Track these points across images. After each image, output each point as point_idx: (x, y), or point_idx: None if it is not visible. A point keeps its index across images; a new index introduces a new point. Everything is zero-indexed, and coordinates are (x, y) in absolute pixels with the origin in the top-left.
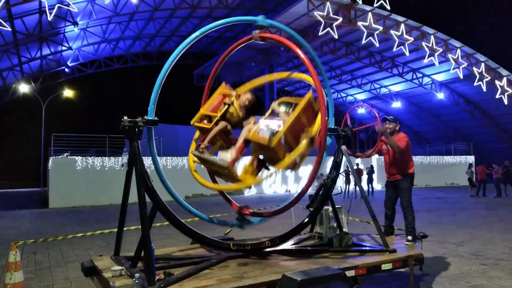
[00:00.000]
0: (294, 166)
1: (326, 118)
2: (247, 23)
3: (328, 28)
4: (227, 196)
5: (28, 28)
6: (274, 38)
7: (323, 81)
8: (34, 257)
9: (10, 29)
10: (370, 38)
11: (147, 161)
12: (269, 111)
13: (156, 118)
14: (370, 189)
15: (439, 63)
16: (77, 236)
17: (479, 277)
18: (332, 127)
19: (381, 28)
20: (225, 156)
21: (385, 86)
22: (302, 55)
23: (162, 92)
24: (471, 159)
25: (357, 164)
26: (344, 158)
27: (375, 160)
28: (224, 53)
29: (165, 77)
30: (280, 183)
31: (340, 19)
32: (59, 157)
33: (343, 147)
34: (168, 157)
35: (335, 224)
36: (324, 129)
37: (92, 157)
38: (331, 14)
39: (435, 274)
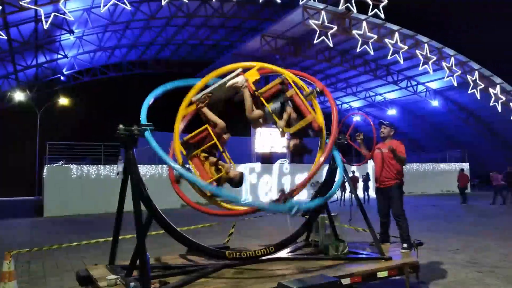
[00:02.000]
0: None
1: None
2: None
3: (323, 37)
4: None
5: (23, 36)
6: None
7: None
8: (29, 266)
9: (5, 37)
10: (365, 46)
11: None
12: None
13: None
14: (366, 197)
15: (433, 71)
16: (72, 245)
17: (475, 284)
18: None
19: (375, 36)
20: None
21: (380, 94)
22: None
23: (156, 100)
24: (466, 166)
25: (353, 172)
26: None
27: (371, 167)
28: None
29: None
30: (276, 191)
31: (335, 27)
32: (54, 165)
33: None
34: (164, 165)
35: (330, 232)
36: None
37: (87, 165)
38: (326, 23)
39: (431, 281)
